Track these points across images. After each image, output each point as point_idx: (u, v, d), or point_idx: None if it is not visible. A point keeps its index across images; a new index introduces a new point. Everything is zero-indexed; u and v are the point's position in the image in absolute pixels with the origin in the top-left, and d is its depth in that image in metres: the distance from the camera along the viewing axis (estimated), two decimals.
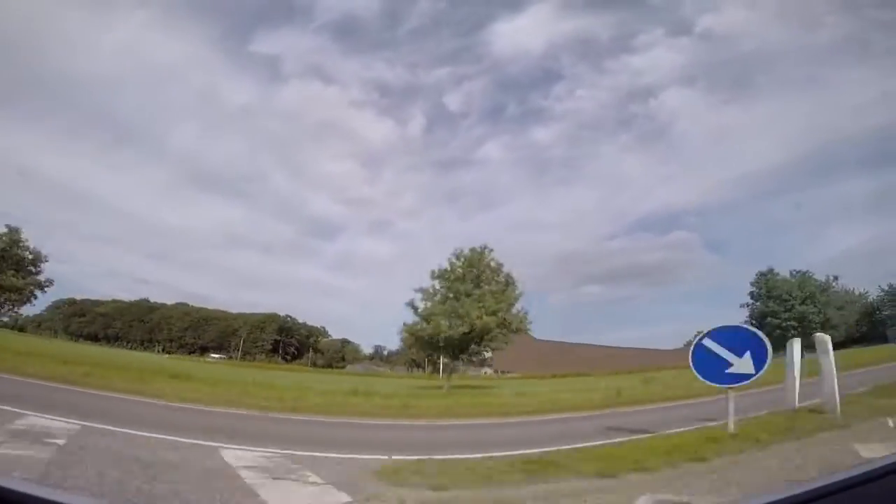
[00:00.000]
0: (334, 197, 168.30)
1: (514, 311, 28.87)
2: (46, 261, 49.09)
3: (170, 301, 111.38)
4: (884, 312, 48.89)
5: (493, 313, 26.93)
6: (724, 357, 7.36)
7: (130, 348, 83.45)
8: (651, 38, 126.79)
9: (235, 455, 5.80)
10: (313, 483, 4.80)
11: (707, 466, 5.45)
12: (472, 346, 28.19)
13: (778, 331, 35.49)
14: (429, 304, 28.25)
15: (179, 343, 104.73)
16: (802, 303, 41.72)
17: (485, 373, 62.91)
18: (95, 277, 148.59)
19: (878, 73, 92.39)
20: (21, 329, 78.15)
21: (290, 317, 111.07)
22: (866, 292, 50.95)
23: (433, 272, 29.31)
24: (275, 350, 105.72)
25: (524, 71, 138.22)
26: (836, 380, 8.19)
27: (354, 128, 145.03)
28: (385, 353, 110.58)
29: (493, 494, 4.62)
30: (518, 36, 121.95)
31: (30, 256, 47.50)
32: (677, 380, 19.26)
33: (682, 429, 8.19)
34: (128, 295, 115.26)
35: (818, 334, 8.95)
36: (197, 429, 7.46)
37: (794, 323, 40.31)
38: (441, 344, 27.67)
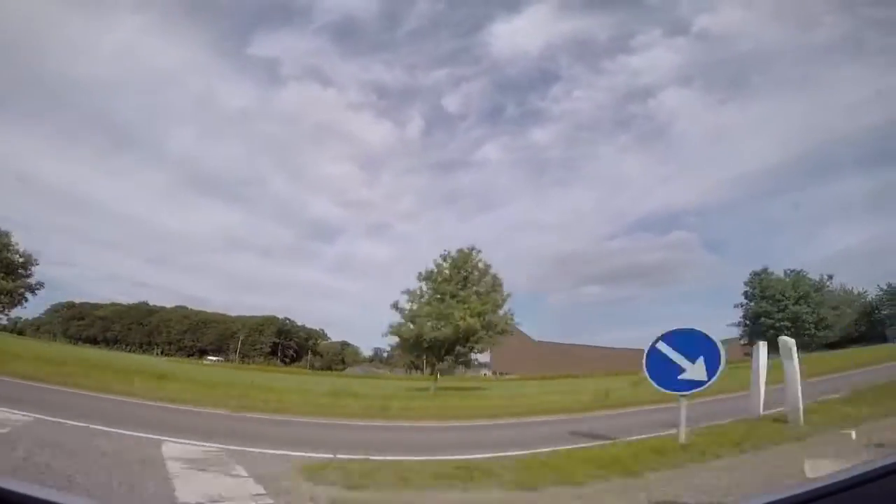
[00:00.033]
0: (333, 199, 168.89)
1: (500, 312, 28.48)
2: (37, 264, 49.39)
3: (169, 304, 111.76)
4: (883, 312, 48.50)
5: (478, 315, 26.52)
6: (677, 362, 6.92)
7: (129, 351, 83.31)
8: (648, 38, 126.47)
9: (175, 448, 5.94)
10: (235, 476, 4.90)
11: (641, 482, 5.08)
12: (458, 347, 27.73)
13: (771, 331, 34.97)
14: (414, 305, 27.96)
15: (178, 346, 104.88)
16: (796, 303, 41.14)
17: (483, 374, 62.62)
18: (95, 281, 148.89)
19: (873, 72, 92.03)
20: (20, 332, 78.58)
21: (289, 319, 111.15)
22: (865, 291, 50.59)
23: (420, 274, 29.14)
24: (273, 353, 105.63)
25: (522, 72, 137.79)
26: (799, 387, 7.71)
27: (353, 130, 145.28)
28: (385, 355, 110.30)
29: (404, 498, 4.59)
30: (516, 37, 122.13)
31: (20, 259, 47.63)
32: None
33: (643, 436, 7.73)
34: (127, 298, 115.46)
35: (782, 338, 8.40)
36: (153, 424, 7.46)
37: (787, 323, 39.78)
38: (426, 345, 27.28)
